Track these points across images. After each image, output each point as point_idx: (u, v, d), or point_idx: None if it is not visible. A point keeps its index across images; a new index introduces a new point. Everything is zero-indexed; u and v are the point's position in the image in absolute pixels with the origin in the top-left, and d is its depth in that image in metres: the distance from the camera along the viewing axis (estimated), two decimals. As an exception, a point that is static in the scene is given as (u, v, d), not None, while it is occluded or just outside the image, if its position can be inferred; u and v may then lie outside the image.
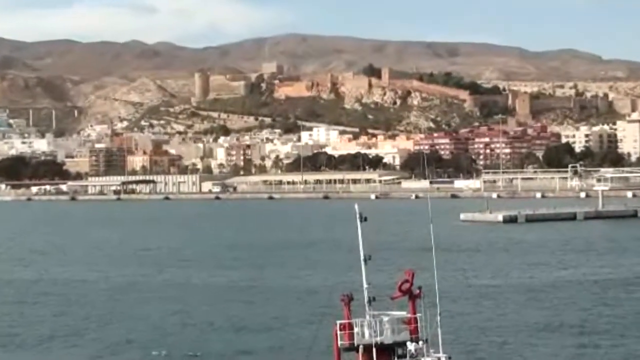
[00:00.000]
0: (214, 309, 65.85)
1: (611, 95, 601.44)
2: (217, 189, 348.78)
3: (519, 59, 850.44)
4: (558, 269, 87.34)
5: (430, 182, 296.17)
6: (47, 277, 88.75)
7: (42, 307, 69.47)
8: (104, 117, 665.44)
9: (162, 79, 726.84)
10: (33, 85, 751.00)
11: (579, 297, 68.64)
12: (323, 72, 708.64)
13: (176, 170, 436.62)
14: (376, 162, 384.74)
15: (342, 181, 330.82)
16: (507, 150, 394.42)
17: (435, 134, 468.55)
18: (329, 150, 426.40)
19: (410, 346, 30.04)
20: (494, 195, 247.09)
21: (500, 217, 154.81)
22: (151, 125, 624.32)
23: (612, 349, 50.49)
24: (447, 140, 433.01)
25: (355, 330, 30.23)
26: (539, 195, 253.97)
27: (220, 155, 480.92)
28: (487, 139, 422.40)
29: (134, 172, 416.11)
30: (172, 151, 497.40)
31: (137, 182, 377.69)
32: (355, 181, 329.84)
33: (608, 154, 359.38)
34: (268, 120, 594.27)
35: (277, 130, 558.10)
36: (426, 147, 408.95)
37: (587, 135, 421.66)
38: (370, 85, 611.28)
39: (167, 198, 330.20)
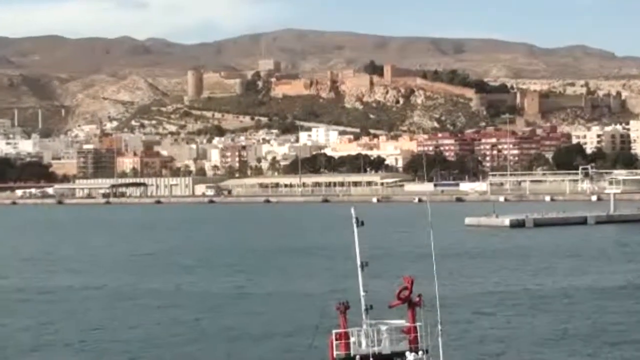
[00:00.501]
0: (206, 316, 66.39)
1: (624, 94, 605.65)
2: (211, 192, 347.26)
3: (528, 55, 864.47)
4: (567, 275, 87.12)
5: (435, 185, 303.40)
6: (31, 284, 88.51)
7: (25, 316, 69.36)
8: (93, 117, 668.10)
9: (153, 76, 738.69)
10: (18, 83, 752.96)
11: (589, 305, 68.27)
12: (322, 69, 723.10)
13: (168, 172, 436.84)
14: (378, 164, 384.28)
15: (342, 184, 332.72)
16: (515, 152, 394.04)
17: (440, 135, 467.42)
18: (328, 152, 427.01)
19: (410, 356, 29.99)
20: (501, 199, 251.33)
21: (507, 222, 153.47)
22: (142, 126, 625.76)
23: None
24: (452, 141, 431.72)
25: (352, 340, 30.30)
26: (548, 198, 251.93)
27: (214, 156, 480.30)
28: (494, 140, 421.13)
29: (124, 175, 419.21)
30: (164, 152, 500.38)
31: (127, 185, 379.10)
32: (356, 184, 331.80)
33: (621, 156, 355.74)
34: (265, 120, 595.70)
35: (274, 131, 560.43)
36: (430, 148, 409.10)
37: (599, 136, 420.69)
38: (371, 84, 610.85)
39: (158, 202, 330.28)
